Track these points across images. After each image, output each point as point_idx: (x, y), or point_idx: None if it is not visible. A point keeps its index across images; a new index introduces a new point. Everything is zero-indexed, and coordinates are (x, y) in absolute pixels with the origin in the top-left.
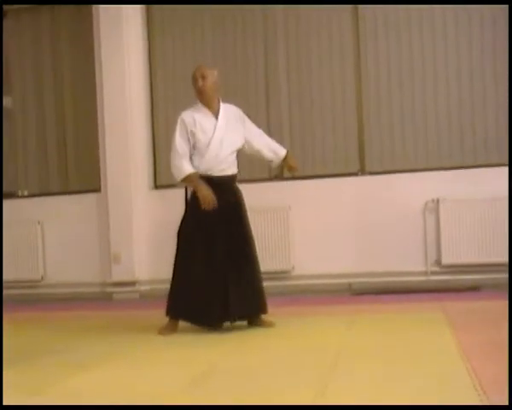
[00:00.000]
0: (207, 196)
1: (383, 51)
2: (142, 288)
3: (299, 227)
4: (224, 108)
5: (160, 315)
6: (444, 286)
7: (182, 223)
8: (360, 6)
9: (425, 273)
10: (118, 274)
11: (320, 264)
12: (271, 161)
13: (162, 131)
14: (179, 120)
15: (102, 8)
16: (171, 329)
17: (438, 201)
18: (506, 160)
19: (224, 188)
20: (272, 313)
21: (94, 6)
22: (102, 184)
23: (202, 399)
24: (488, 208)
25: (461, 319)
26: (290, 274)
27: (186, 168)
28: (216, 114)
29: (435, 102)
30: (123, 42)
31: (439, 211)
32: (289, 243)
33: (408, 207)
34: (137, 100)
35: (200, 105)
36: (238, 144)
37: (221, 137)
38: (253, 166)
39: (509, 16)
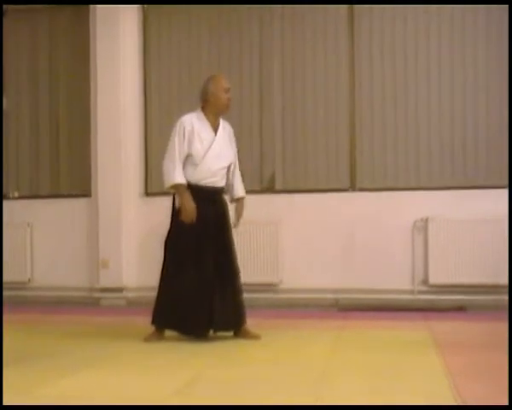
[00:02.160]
0: (190, 211)
1: (377, 70)
2: (130, 294)
3: (289, 241)
4: (223, 123)
5: (146, 322)
6: (430, 305)
7: (170, 232)
8: (356, 23)
9: (412, 292)
10: (105, 280)
11: (308, 278)
12: (228, 194)
13: (155, 139)
14: (179, 124)
15: (99, 13)
16: (156, 337)
17: (427, 220)
18: (495, 182)
19: (214, 199)
20: (259, 324)
21: (91, 10)
22: (93, 189)
23: (187, 406)
24: (477, 229)
25: (447, 339)
26: (278, 287)
27: (177, 177)
28: (215, 128)
29: (428, 122)
30: (119, 48)
31: (428, 230)
32: (278, 257)
33: (397, 226)
34: (131, 106)
35: (202, 114)
36: (231, 160)
37: (218, 151)
38: (243, 178)
39: (509, 16)
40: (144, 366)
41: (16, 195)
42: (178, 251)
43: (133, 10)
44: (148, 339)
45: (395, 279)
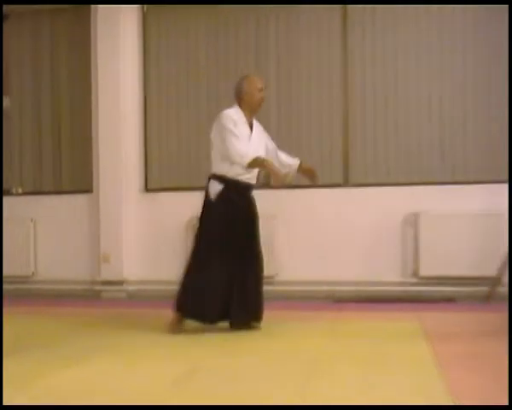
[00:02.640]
0: (279, 174)
1: (369, 69)
2: (130, 288)
3: (285, 235)
4: (255, 122)
5: (147, 314)
6: (421, 297)
7: (203, 223)
8: (349, 22)
9: (403, 284)
10: (106, 273)
11: (304, 271)
12: (289, 169)
13: (154, 137)
14: (225, 117)
15: (100, 14)
16: (178, 326)
17: (417, 214)
18: (483, 177)
19: (247, 195)
20: None
21: (92, 11)
22: (94, 185)
23: (185, 397)
24: (465, 224)
25: (437, 330)
26: (274, 280)
27: (251, 152)
28: (250, 125)
29: (418, 119)
30: (119, 48)
31: (419, 224)
32: (274, 250)
33: (388, 220)
34: (131, 105)
35: (239, 110)
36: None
37: (254, 148)
38: None
39: (508, 16)
40: (144, 357)
41: (20, 191)
42: (210, 242)
43: (133, 11)
44: (171, 329)
45: (387, 272)
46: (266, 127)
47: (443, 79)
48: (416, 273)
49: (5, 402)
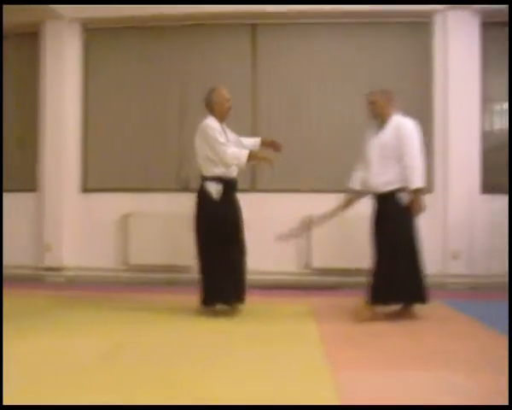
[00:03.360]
0: (270, 157)
1: (275, 76)
2: (69, 273)
3: None
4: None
5: (82, 296)
6: (312, 285)
7: (211, 218)
8: (258, 47)
9: (298, 274)
10: (49, 261)
11: None
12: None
13: (92, 144)
14: (209, 127)
15: (48, 37)
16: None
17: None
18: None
19: (235, 187)
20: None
21: (41, 36)
22: (39, 185)
23: (112, 369)
24: (349, 225)
25: (323, 312)
26: (193, 269)
27: (243, 152)
28: (223, 130)
29: (311, 137)
30: (63, 64)
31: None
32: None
33: (286, 221)
34: (72, 116)
35: (214, 119)
36: None
37: (237, 147)
38: (164, 178)
39: (509, 16)
40: (77, 333)
41: None
42: (219, 234)
43: (75, 35)
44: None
45: (285, 264)
46: (190, 145)
47: (344, 95)
48: (308, 265)
49: None
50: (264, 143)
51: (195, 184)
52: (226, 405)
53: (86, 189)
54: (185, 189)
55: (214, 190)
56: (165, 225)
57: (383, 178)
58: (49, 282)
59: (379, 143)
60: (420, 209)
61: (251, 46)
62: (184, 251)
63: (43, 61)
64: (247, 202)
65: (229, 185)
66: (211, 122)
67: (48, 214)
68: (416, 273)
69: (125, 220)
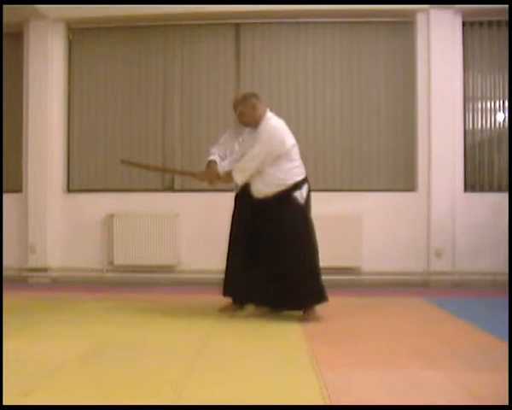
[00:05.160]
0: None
1: (259, 75)
2: (53, 274)
3: (186, 231)
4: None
5: (66, 297)
6: None
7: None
8: (243, 41)
9: None
10: (33, 262)
11: (201, 261)
12: None
13: (76, 145)
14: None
15: (32, 38)
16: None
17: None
18: (350, 186)
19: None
20: (160, 298)
21: (25, 37)
22: (24, 186)
23: (92, 370)
24: (333, 224)
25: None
26: (176, 269)
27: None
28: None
29: (296, 137)
30: (47, 67)
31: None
32: (176, 243)
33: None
34: (56, 118)
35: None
36: None
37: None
38: (147, 179)
39: (508, 16)
40: (56, 334)
41: None
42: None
43: (59, 35)
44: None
45: None
46: (171, 146)
47: (328, 94)
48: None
49: None
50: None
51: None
52: (210, 405)
53: (70, 189)
54: (169, 188)
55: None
56: (150, 225)
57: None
58: (34, 283)
59: (253, 143)
60: (203, 178)
61: (234, 45)
62: (169, 251)
63: (26, 62)
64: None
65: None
66: None
67: (32, 215)
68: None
69: (109, 220)
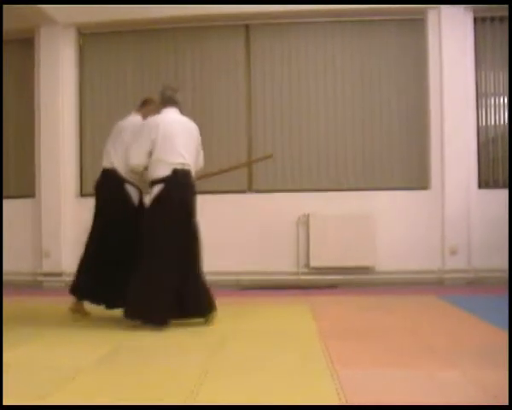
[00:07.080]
0: None
1: (269, 83)
2: (67, 279)
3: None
4: None
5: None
6: (310, 284)
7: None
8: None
9: (297, 273)
10: (47, 266)
11: (213, 262)
12: None
13: (88, 150)
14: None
15: (43, 44)
16: None
17: (308, 215)
18: (361, 185)
19: None
20: None
21: (36, 42)
22: (37, 191)
23: (109, 371)
24: (347, 223)
25: (321, 310)
26: None
27: None
28: None
29: (308, 136)
30: (58, 73)
31: (309, 224)
32: None
33: (284, 220)
34: (69, 123)
35: None
36: None
37: None
38: None
39: (508, 16)
40: (73, 340)
41: None
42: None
43: (70, 40)
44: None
45: (284, 263)
46: None
47: (339, 93)
48: (307, 264)
49: None
50: None
51: None
52: (225, 405)
53: (83, 193)
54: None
55: None
56: None
57: None
58: (48, 287)
59: None
60: None
61: (244, 47)
62: None
63: (38, 67)
64: (244, 203)
65: None
66: None
67: (45, 220)
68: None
69: None
